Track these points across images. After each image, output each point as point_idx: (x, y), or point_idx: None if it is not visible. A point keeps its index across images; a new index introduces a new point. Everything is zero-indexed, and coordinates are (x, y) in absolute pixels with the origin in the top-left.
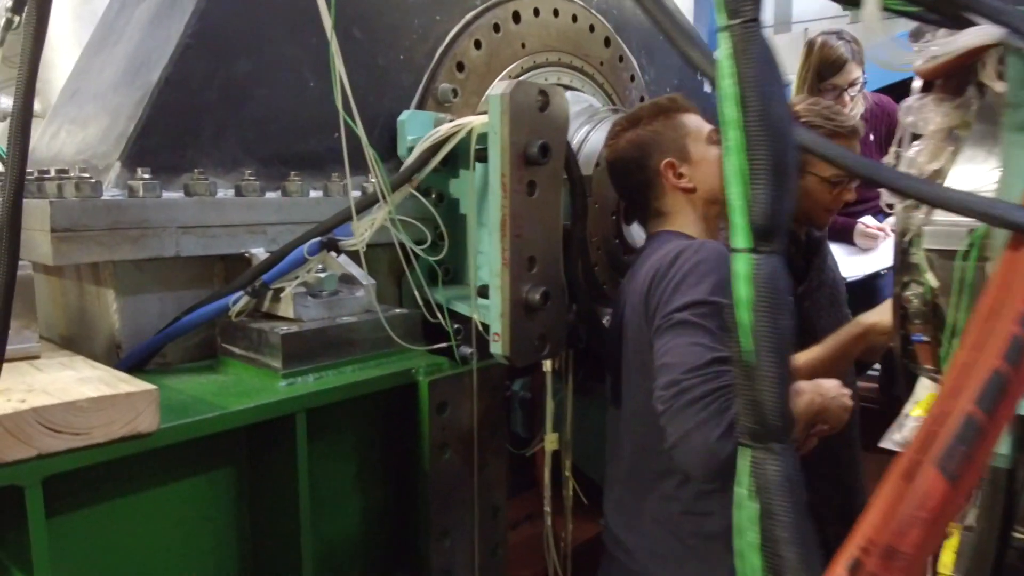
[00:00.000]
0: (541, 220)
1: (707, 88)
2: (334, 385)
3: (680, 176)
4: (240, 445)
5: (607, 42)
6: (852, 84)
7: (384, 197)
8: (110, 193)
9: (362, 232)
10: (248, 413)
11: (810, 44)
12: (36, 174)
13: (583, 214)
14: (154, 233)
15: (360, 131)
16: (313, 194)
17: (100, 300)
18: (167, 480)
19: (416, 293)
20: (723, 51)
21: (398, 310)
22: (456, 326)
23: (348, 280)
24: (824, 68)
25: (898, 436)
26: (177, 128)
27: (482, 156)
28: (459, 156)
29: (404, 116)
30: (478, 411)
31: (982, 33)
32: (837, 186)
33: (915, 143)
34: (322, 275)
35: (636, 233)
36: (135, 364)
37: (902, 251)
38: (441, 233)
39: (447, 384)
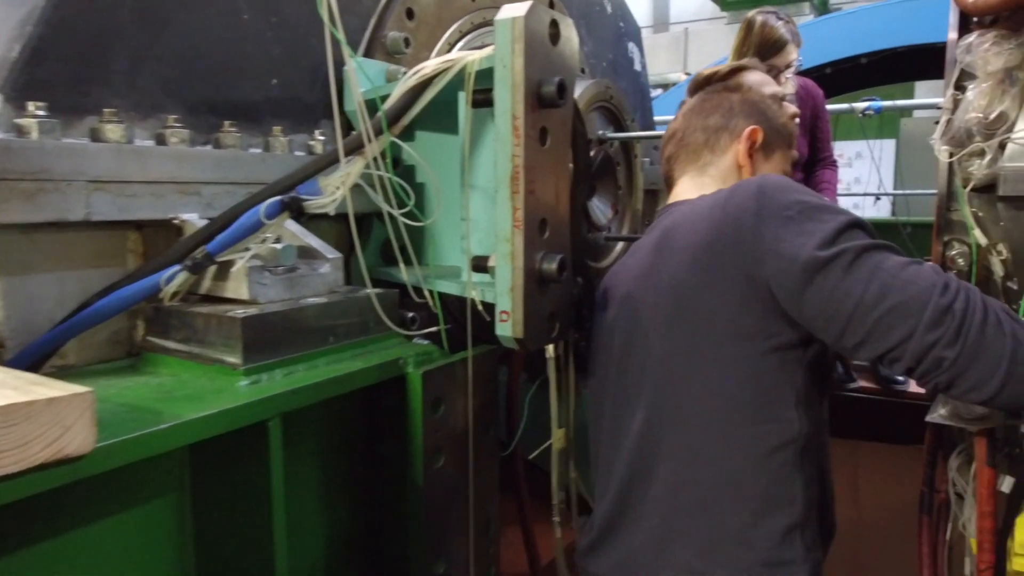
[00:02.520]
0: (553, 174)
1: (637, 66)
2: (312, 382)
3: (753, 154)
4: (182, 466)
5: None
6: (788, 66)
7: (369, 139)
8: None
9: (334, 189)
10: (211, 422)
11: (750, 23)
12: None
13: (585, 173)
14: (55, 188)
15: (347, 50)
16: (252, 151)
17: None
18: (95, 518)
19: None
20: None
21: (370, 289)
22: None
23: (308, 253)
24: (764, 48)
25: (943, 411)
26: (78, 56)
27: (481, 100)
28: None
29: (353, 63)
30: (474, 407)
31: None
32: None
33: (970, 84)
34: (277, 246)
35: (598, 208)
36: (25, 368)
37: (945, 209)
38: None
39: (441, 376)
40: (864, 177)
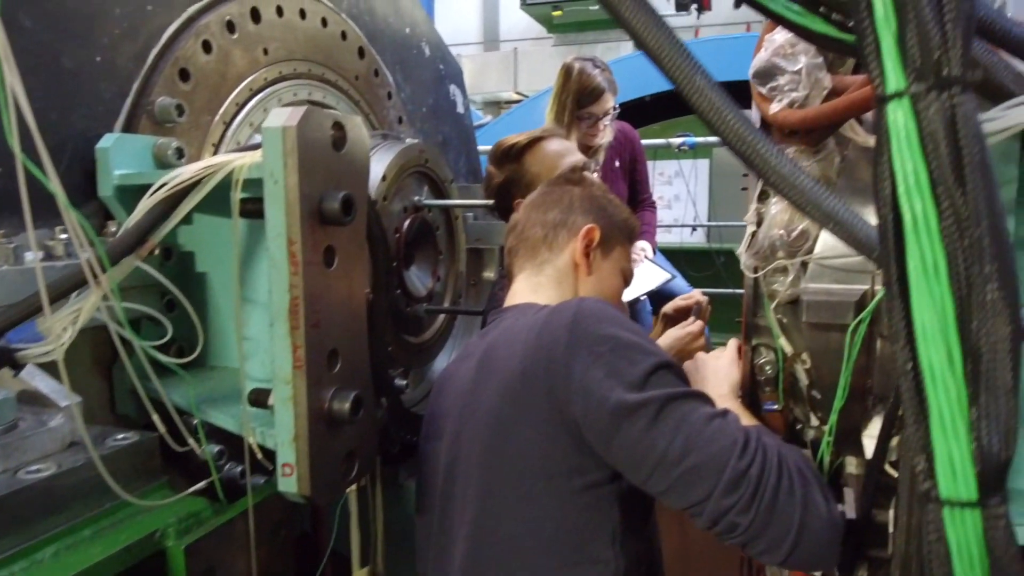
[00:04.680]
0: (343, 299)
1: (460, 108)
2: None
3: (590, 252)
4: None
5: (361, 53)
6: (606, 113)
7: (96, 274)
8: None
9: (61, 332)
10: None
11: (567, 71)
12: None
13: (387, 282)
14: None
15: (50, 171)
16: None
17: None
18: None
19: (139, 388)
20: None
21: (122, 435)
22: (217, 448)
23: (35, 399)
24: (583, 96)
25: None
26: None
27: (250, 210)
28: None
29: (108, 142)
30: (260, 561)
31: None
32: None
33: (774, 198)
34: None
35: (417, 278)
36: None
37: (751, 314)
38: (171, 302)
39: (213, 541)
40: (683, 195)
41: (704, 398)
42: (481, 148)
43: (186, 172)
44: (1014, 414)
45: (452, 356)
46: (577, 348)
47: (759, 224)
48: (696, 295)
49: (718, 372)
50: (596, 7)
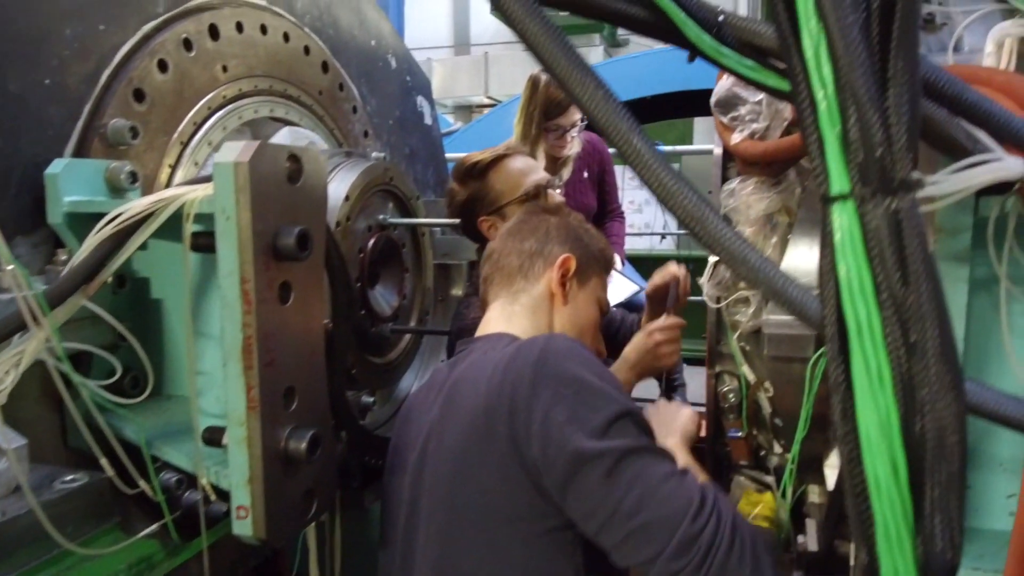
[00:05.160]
0: (300, 335)
1: (427, 120)
2: None
3: (565, 283)
4: None
5: (325, 67)
6: (574, 125)
7: (36, 318)
8: None
9: (3, 376)
10: None
11: (534, 82)
12: None
13: (347, 312)
14: None
15: None
16: None
17: None
18: None
19: (85, 432)
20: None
21: (71, 477)
22: (175, 478)
23: None
24: (550, 108)
25: None
26: None
27: (203, 244)
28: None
29: (57, 167)
30: None
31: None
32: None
33: (735, 228)
34: None
35: (382, 297)
36: None
37: (715, 342)
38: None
39: None
40: (653, 199)
41: (664, 454)
42: (451, 156)
43: (136, 206)
44: (961, 518)
45: (419, 375)
46: (541, 387)
47: None
48: (672, 268)
49: (672, 422)
50: (565, 12)
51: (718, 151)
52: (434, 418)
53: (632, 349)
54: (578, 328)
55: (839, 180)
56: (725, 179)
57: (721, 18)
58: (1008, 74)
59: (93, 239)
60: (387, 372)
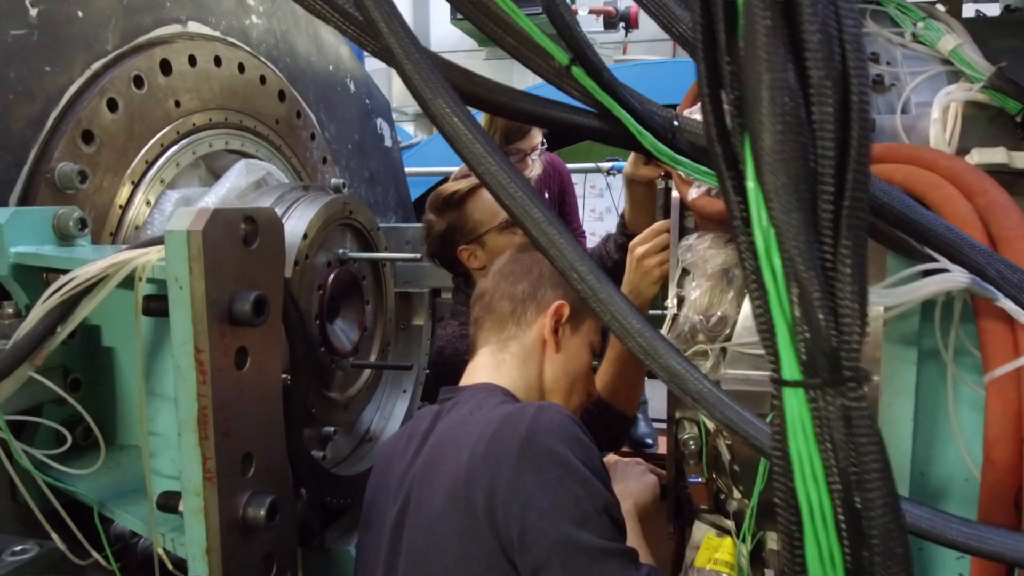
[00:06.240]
0: (257, 399)
1: (387, 142)
2: None
3: (558, 331)
4: None
5: (282, 96)
6: (534, 148)
7: None
8: None
9: None
10: None
11: None
12: None
13: (307, 368)
14: None
15: None
16: None
17: None
18: None
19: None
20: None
21: (20, 547)
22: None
23: None
24: (510, 132)
25: None
26: None
27: (155, 309)
28: None
29: (2, 218)
30: None
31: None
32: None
33: (693, 282)
34: None
35: (342, 332)
36: None
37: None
38: (78, 380)
39: None
40: (613, 207)
41: (633, 556)
42: (411, 170)
43: (84, 273)
44: None
45: (380, 407)
46: (525, 467)
47: (679, 307)
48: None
49: (630, 489)
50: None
51: (676, 203)
52: (415, 476)
53: (624, 282)
54: (570, 376)
55: (789, 367)
56: (683, 228)
57: (677, 123)
58: (951, 159)
59: (40, 308)
60: (348, 407)
